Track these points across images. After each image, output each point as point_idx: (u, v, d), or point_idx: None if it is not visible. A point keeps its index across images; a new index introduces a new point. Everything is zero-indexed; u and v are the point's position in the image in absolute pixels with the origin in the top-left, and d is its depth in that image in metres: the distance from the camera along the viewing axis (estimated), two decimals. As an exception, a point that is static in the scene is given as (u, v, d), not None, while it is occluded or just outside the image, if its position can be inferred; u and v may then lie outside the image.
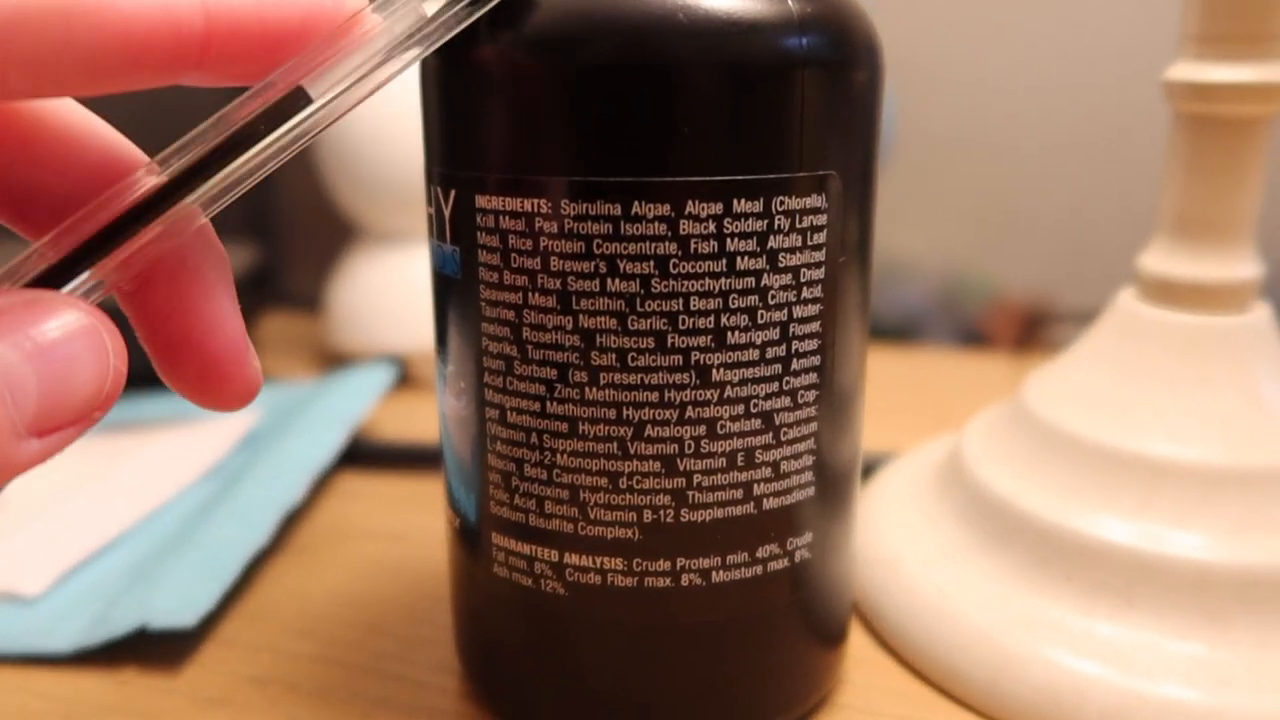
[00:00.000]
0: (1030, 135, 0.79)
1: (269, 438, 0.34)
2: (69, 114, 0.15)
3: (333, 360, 0.46)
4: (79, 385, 0.12)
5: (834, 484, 0.19)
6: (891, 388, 0.42)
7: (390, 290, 0.43)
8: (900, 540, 0.25)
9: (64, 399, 0.12)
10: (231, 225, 0.65)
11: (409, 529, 0.30)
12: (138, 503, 0.30)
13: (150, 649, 0.23)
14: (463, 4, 0.15)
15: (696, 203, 0.16)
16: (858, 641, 0.24)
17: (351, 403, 0.35)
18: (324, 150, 0.44)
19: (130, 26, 0.12)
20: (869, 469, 0.31)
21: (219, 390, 0.15)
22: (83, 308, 0.13)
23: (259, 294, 0.52)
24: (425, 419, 0.39)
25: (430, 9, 0.15)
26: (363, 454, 0.35)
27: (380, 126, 0.41)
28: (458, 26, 0.15)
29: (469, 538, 0.20)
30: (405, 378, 0.42)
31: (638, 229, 0.17)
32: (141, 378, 0.40)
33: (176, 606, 0.23)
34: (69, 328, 0.12)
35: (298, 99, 0.13)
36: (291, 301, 0.57)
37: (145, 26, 0.13)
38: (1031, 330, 0.53)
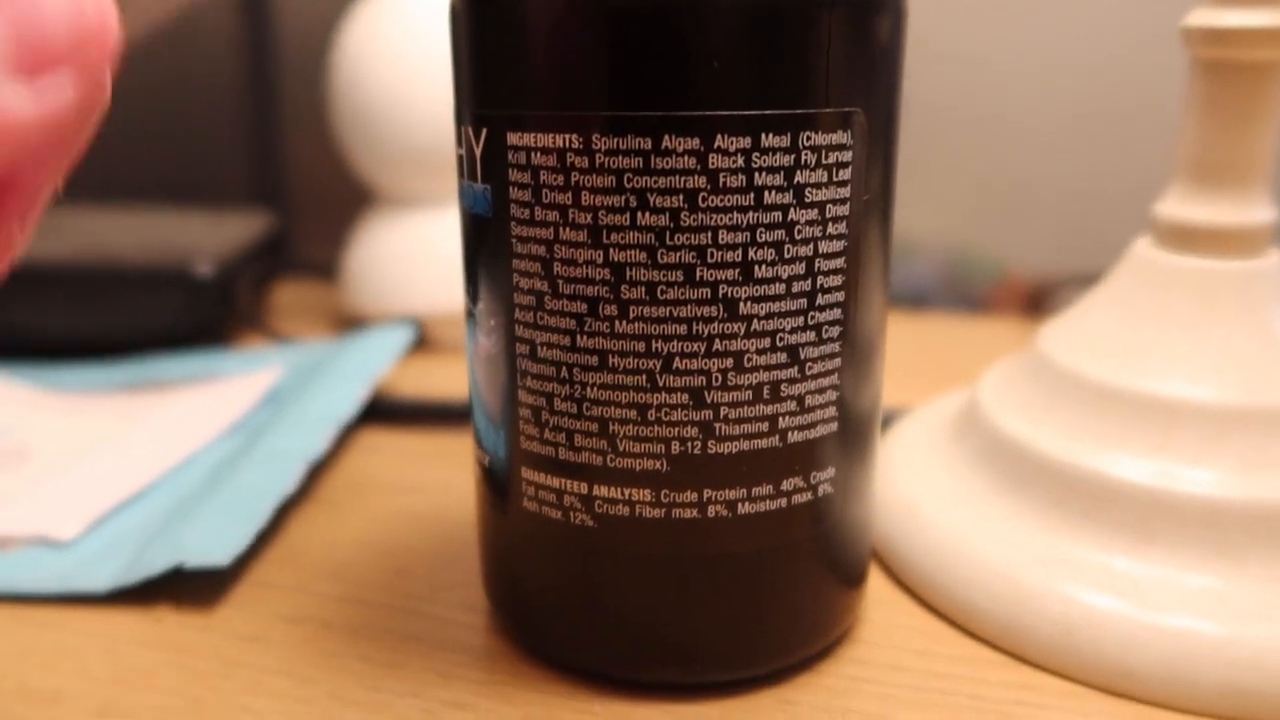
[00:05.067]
0: (1036, 113, 0.79)
1: (292, 394, 0.34)
2: None
3: (350, 324, 0.46)
4: (49, 11, 0.11)
5: (856, 421, 0.20)
6: (901, 352, 0.42)
7: (407, 253, 0.43)
8: (918, 486, 0.26)
9: (37, 31, 0.11)
10: (244, 193, 0.65)
11: (430, 482, 0.31)
12: (164, 455, 0.31)
13: (184, 589, 0.24)
14: None
15: (725, 137, 0.17)
16: (877, 584, 0.25)
17: (372, 360, 0.36)
18: (339, 114, 0.44)
19: None
20: (884, 423, 0.31)
21: None
22: None
23: (273, 261, 0.53)
24: (443, 379, 0.39)
25: None
26: (383, 411, 0.35)
27: (395, 89, 0.41)
28: None
29: (498, 475, 0.20)
30: (422, 339, 0.43)
31: (668, 163, 0.17)
32: (164, 340, 0.40)
33: (210, 548, 0.24)
34: None
35: None
36: (305, 268, 0.57)
37: None
38: (1037, 306, 0.53)
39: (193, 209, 0.53)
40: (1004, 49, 0.78)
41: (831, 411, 0.19)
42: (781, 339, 0.18)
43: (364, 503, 0.29)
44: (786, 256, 0.18)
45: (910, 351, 0.43)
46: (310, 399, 0.33)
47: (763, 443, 0.18)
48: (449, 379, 0.39)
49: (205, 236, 0.47)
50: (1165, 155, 0.24)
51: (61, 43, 0.11)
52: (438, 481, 0.31)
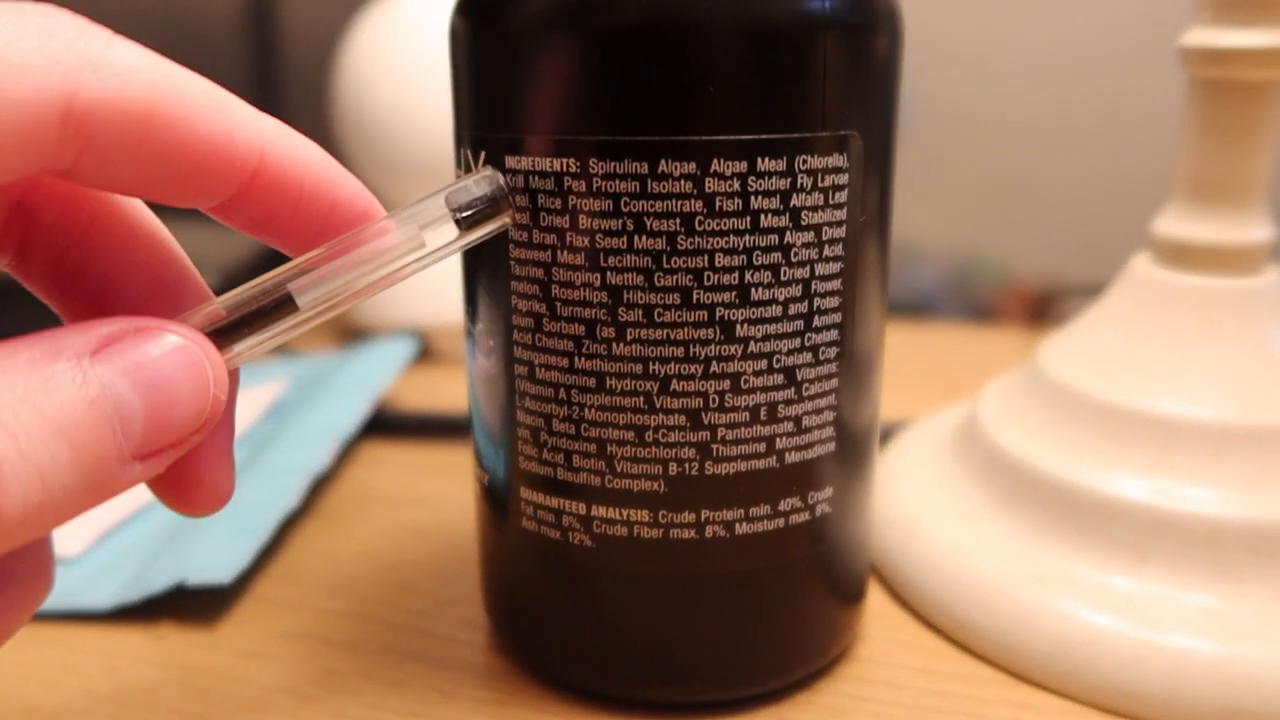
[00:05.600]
0: (1043, 116, 0.79)
1: (295, 407, 0.34)
2: (135, 212, 0.16)
3: (353, 334, 0.47)
4: (181, 413, 0.13)
5: (854, 440, 0.20)
6: (905, 362, 0.42)
7: (410, 265, 0.43)
8: (917, 501, 0.26)
9: (167, 426, 0.13)
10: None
11: (433, 495, 0.31)
12: (168, 470, 0.31)
13: (187, 606, 0.24)
14: (457, 239, 0.16)
15: (722, 161, 0.17)
16: (876, 599, 0.25)
17: (375, 373, 0.36)
18: (341, 124, 0.44)
19: (196, 144, 0.13)
20: (885, 436, 0.31)
21: (188, 495, 0.15)
22: (188, 335, 0.13)
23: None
24: (445, 391, 0.39)
25: (430, 237, 0.16)
26: (386, 423, 0.35)
27: (398, 99, 0.42)
28: (449, 253, 0.17)
29: (497, 494, 0.21)
30: (425, 351, 0.43)
31: (664, 187, 0.17)
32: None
33: (212, 565, 0.24)
34: (175, 357, 0.13)
35: (285, 304, 0.15)
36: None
37: (208, 148, 0.13)
38: (1042, 311, 0.53)
39: (198, 219, 0.54)
40: (1010, 52, 0.78)
41: (829, 432, 0.19)
42: (778, 361, 0.18)
43: (366, 516, 0.30)
44: (783, 279, 0.18)
45: (914, 361, 0.43)
46: (313, 413, 0.33)
47: (760, 464, 0.19)
48: (452, 391, 0.39)
49: (210, 247, 0.47)
50: (1171, 160, 0.24)
51: (181, 435, 0.13)
52: (440, 494, 0.31)
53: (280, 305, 0.15)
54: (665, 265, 0.17)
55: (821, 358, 0.19)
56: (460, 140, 0.20)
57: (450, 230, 0.16)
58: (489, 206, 0.17)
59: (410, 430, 0.35)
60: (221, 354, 0.14)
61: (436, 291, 0.42)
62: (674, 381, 0.18)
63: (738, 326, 0.18)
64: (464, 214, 0.16)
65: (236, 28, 0.64)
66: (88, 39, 0.12)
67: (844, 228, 0.18)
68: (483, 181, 0.17)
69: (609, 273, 0.18)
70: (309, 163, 0.15)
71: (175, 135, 0.13)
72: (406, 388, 0.40)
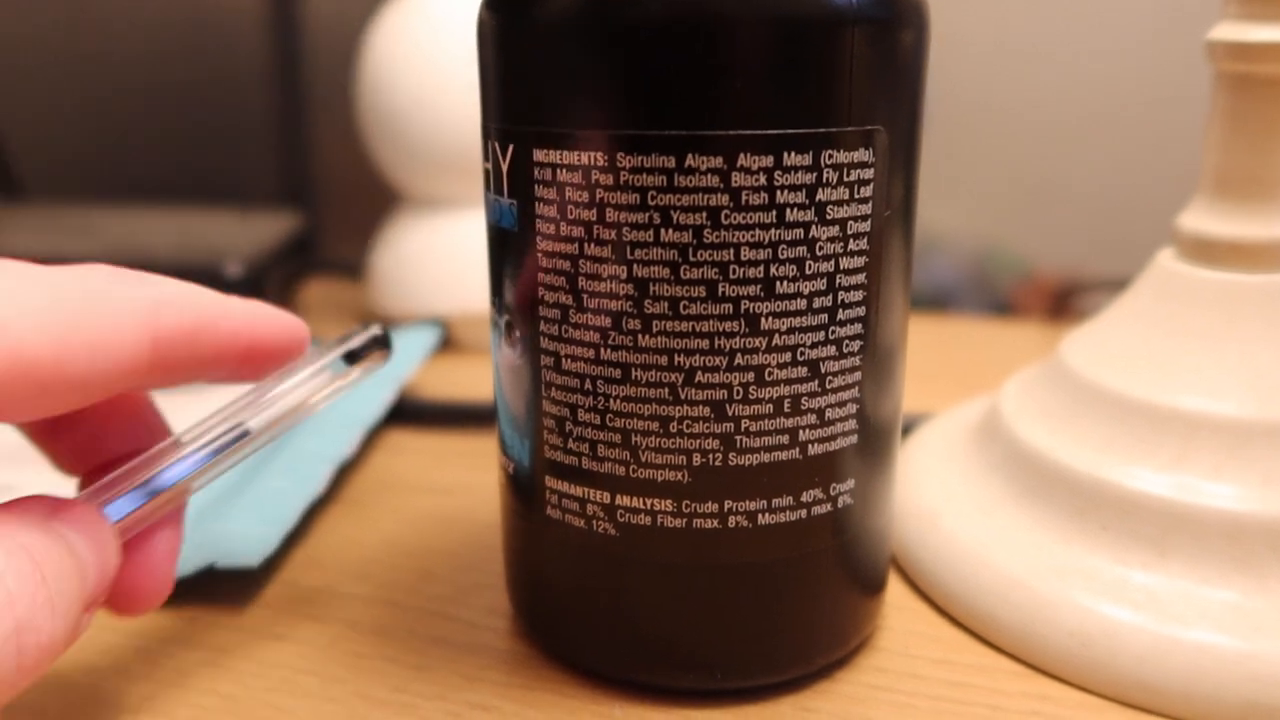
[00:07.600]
0: (1063, 109, 0.79)
1: (319, 395, 0.35)
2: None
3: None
4: (111, 571, 0.17)
5: (876, 433, 0.20)
6: (925, 355, 0.42)
7: (433, 254, 0.44)
8: (938, 494, 0.26)
9: (103, 583, 0.17)
10: (271, 193, 0.66)
11: (455, 483, 0.31)
12: (196, 455, 0.31)
13: (215, 589, 0.25)
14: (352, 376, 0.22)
15: (748, 155, 0.17)
16: (896, 590, 0.25)
17: (398, 362, 0.36)
18: (366, 115, 0.44)
19: (226, 346, 0.19)
20: (906, 429, 0.31)
21: (127, 599, 0.19)
22: (95, 511, 0.17)
23: (301, 260, 0.53)
24: (467, 379, 0.40)
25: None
26: (409, 412, 0.36)
27: (422, 91, 0.42)
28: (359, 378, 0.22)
29: (522, 482, 0.21)
30: (448, 340, 0.43)
31: (691, 181, 0.17)
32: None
33: (241, 549, 0.24)
34: (102, 527, 0.17)
35: (241, 434, 0.20)
36: (332, 267, 0.58)
37: (244, 344, 0.20)
38: (1063, 305, 0.53)
39: (222, 209, 0.54)
40: (1032, 43, 0.77)
41: (851, 424, 0.19)
42: (802, 353, 0.18)
43: (390, 503, 0.30)
44: (808, 273, 0.18)
45: (934, 355, 0.43)
46: (338, 401, 0.33)
47: (783, 455, 0.19)
48: (474, 380, 0.39)
49: (235, 236, 0.47)
50: (1196, 153, 0.24)
51: (105, 591, 0.17)
52: (463, 482, 0.31)
53: (238, 439, 0.20)
54: (691, 258, 0.18)
55: (845, 351, 0.19)
56: (487, 134, 0.20)
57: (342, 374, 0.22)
58: (375, 354, 0.23)
59: (433, 419, 0.36)
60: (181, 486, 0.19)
61: (459, 281, 0.43)
62: (699, 373, 0.18)
63: (762, 319, 0.18)
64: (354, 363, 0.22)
65: (260, 20, 0.65)
66: (146, 285, 0.17)
67: (869, 222, 0.18)
68: (368, 340, 0.23)
69: (635, 265, 0.18)
70: (238, 331, 0.19)
71: (208, 339, 0.18)
72: (429, 377, 0.41)
